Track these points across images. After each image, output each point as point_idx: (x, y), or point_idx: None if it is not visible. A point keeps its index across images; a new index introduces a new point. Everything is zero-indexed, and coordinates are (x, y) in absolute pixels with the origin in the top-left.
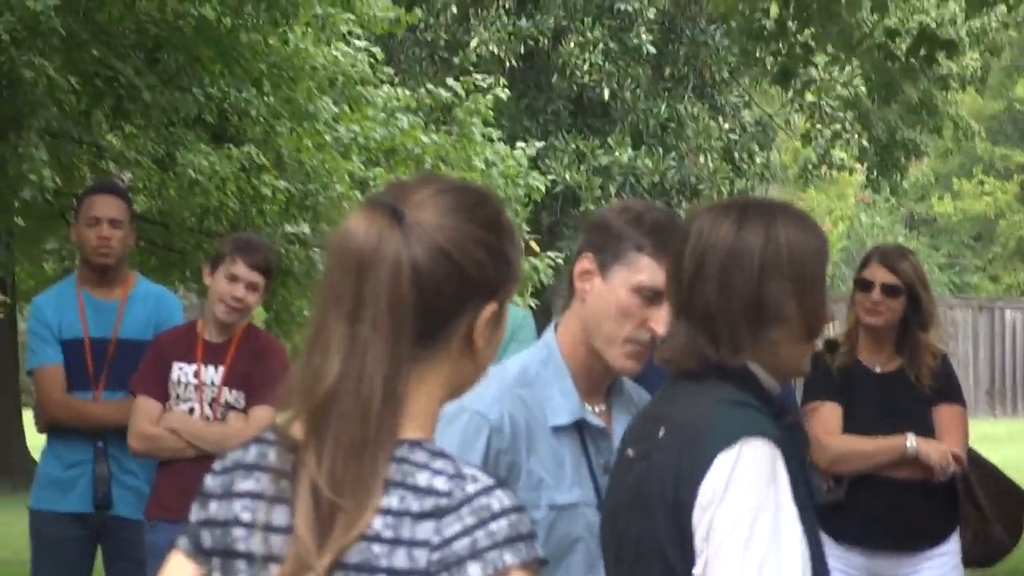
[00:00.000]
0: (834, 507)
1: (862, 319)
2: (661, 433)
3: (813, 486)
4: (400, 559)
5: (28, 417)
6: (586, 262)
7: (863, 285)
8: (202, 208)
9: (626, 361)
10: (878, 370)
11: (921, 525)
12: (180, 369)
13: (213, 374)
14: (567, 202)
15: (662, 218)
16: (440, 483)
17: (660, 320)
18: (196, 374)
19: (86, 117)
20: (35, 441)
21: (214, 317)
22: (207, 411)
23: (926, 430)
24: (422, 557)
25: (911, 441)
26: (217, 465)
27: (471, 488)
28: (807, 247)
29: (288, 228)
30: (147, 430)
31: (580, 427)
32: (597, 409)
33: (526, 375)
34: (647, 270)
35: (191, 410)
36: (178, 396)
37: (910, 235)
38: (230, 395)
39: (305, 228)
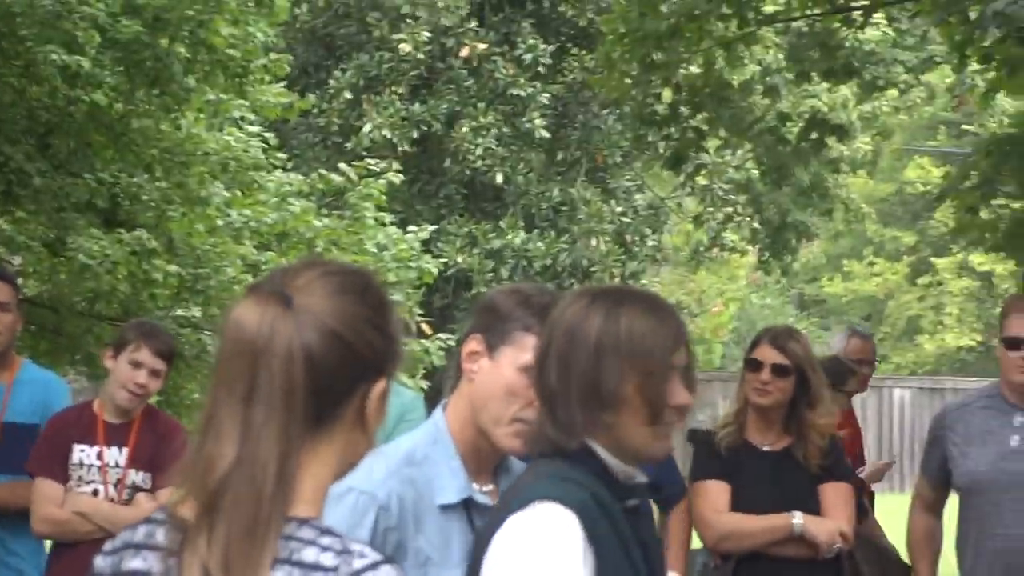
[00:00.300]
0: None
1: (751, 399)
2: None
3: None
4: None
5: None
6: (474, 343)
7: (753, 365)
8: (93, 292)
9: (513, 440)
10: (766, 448)
11: None
12: (81, 451)
13: (117, 455)
14: (459, 285)
15: (550, 300)
16: (327, 559)
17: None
18: (99, 455)
19: None
20: None
21: (114, 401)
22: (111, 493)
23: (814, 508)
24: None
25: (798, 519)
26: (107, 545)
27: (357, 564)
28: (650, 332)
29: (179, 312)
30: (53, 514)
31: (468, 505)
32: (486, 488)
33: (414, 455)
34: (534, 350)
35: (95, 492)
36: (80, 478)
37: (800, 315)
38: (136, 476)
39: (196, 312)
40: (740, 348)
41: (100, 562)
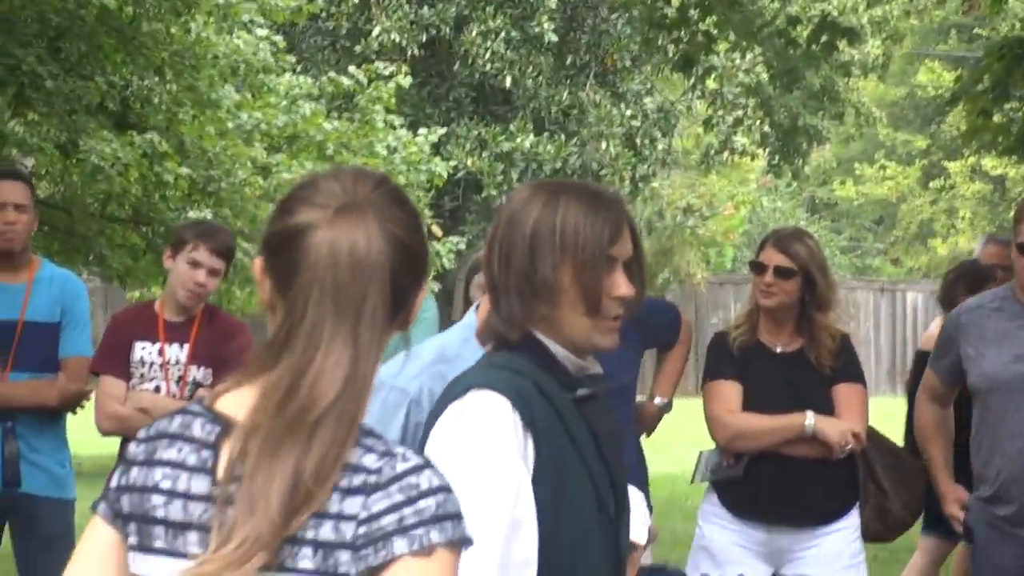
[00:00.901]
0: (734, 483)
1: (757, 300)
2: None
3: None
4: (326, 532)
5: None
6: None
7: (757, 268)
8: (105, 194)
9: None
10: (779, 350)
11: (820, 502)
12: (143, 348)
13: (178, 352)
14: (469, 188)
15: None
16: (370, 460)
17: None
18: (160, 352)
19: None
20: None
21: (175, 300)
22: (174, 389)
23: (826, 409)
24: (348, 530)
25: (810, 419)
26: (142, 433)
27: (401, 467)
28: (586, 222)
29: (191, 213)
30: (117, 411)
31: None
32: None
33: (446, 353)
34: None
35: (157, 389)
36: (142, 375)
37: (812, 219)
38: (197, 372)
39: (208, 213)
40: (751, 251)
41: (134, 448)
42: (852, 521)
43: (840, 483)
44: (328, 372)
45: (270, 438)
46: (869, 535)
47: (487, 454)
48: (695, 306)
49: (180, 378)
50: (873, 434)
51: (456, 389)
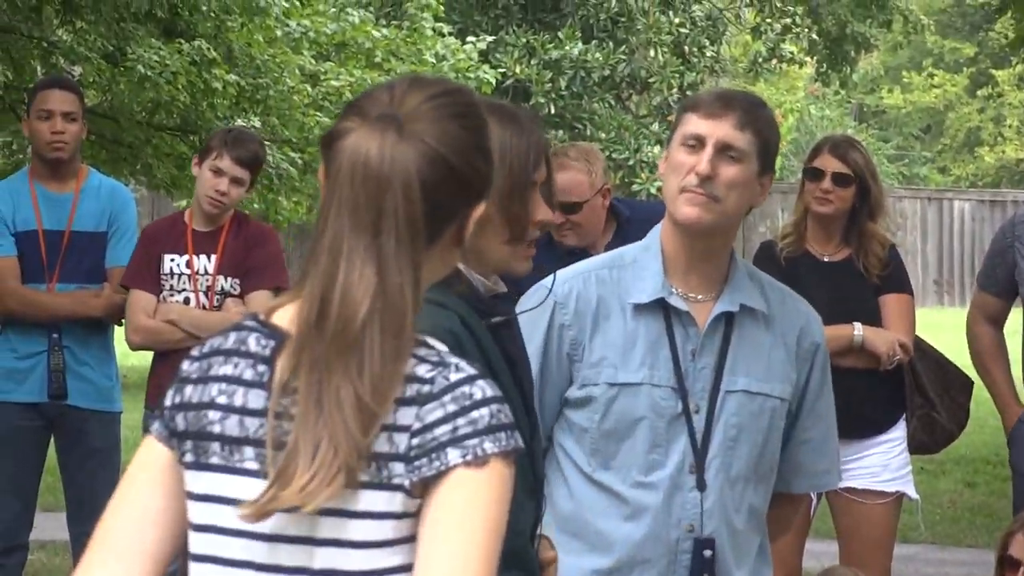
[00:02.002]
0: None
1: (811, 208)
2: None
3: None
4: (380, 443)
5: None
6: (664, 154)
7: (813, 174)
8: (152, 103)
9: (687, 208)
10: (826, 259)
11: (868, 413)
12: (171, 260)
13: (206, 263)
14: (517, 96)
15: (722, 89)
16: (423, 371)
17: (701, 161)
18: (188, 264)
19: (36, 12)
20: None
21: (200, 208)
22: (203, 300)
23: (874, 319)
24: (402, 442)
25: (858, 330)
26: (195, 351)
27: (454, 376)
28: (510, 146)
29: (239, 122)
30: (145, 323)
31: (666, 310)
32: (700, 297)
33: (622, 259)
34: (691, 123)
35: (186, 300)
36: (171, 287)
37: (859, 127)
38: (225, 282)
39: (256, 121)
40: (799, 159)
41: (188, 366)
42: (899, 433)
43: (887, 394)
44: (354, 287)
45: (320, 360)
46: (915, 446)
47: None
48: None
49: (208, 288)
50: (920, 344)
51: None
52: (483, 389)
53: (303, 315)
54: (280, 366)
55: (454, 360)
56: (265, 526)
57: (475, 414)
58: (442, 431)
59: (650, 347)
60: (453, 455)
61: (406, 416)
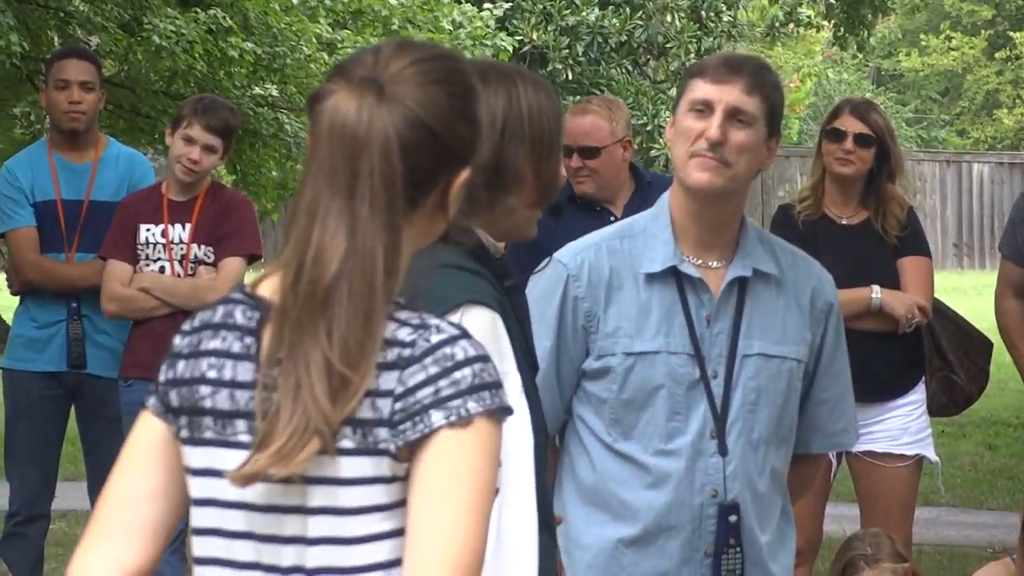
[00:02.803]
0: None
1: (832, 169)
2: None
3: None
4: (364, 410)
5: None
6: (671, 120)
7: (835, 135)
8: (169, 71)
9: (697, 172)
10: (844, 222)
11: (886, 376)
12: (147, 230)
13: (181, 232)
14: (534, 62)
15: (727, 54)
16: (404, 334)
17: (712, 127)
18: (164, 233)
19: None
20: (4, 303)
21: (175, 177)
22: (178, 269)
23: (892, 281)
24: (385, 407)
25: (876, 292)
26: (186, 325)
27: (435, 338)
28: (546, 111)
29: (256, 90)
30: (120, 291)
31: (679, 278)
32: (712, 263)
33: (631, 228)
34: (699, 88)
35: (161, 269)
36: (147, 257)
37: (877, 91)
38: (199, 251)
39: (273, 90)
40: (817, 124)
41: (179, 342)
42: (918, 396)
43: (906, 357)
44: (326, 248)
45: (296, 323)
46: (935, 409)
47: (511, 377)
48: (761, 179)
49: (183, 257)
50: (939, 306)
51: (439, 301)
52: (465, 349)
53: (283, 278)
54: (266, 337)
55: (435, 322)
56: (260, 497)
57: (457, 375)
58: (424, 394)
59: (665, 315)
60: (436, 417)
61: (388, 380)
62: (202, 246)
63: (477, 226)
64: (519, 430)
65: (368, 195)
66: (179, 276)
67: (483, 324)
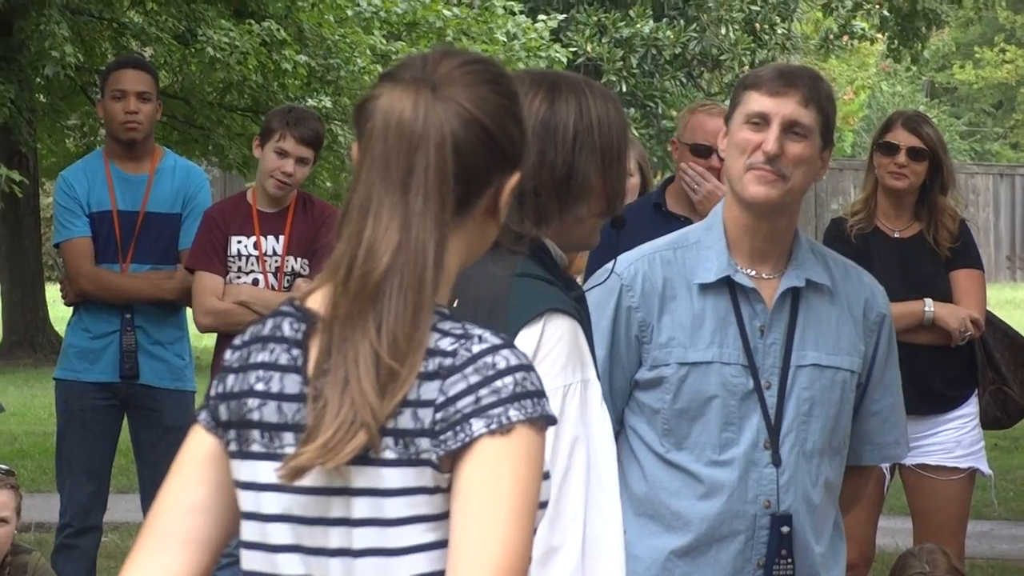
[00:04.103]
0: None
1: (885, 182)
2: (454, 305)
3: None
4: (405, 420)
5: (51, 292)
6: (723, 131)
7: (887, 149)
8: (223, 83)
9: (754, 186)
10: (897, 235)
11: (940, 389)
12: (239, 242)
13: (274, 244)
14: (589, 74)
15: (781, 66)
16: (446, 344)
17: (769, 140)
18: (256, 245)
19: None
20: (57, 314)
21: (264, 190)
22: (272, 281)
23: (944, 295)
24: (427, 417)
25: (929, 306)
26: (237, 339)
27: (476, 348)
28: (614, 121)
29: (310, 102)
30: (215, 305)
31: (732, 288)
32: (765, 274)
33: (686, 239)
34: (754, 101)
35: (255, 281)
36: (239, 269)
37: (931, 103)
38: (295, 263)
39: (327, 102)
40: (870, 136)
41: (229, 356)
42: (971, 409)
43: (959, 370)
44: (379, 242)
45: (346, 317)
46: (988, 422)
47: (593, 385)
48: (814, 192)
49: (278, 269)
50: (991, 319)
51: (519, 310)
52: (507, 358)
53: (334, 276)
54: (313, 348)
55: (478, 332)
56: (304, 509)
57: (498, 383)
58: (465, 403)
59: (718, 325)
60: (477, 425)
61: (430, 391)
62: (297, 258)
63: (547, 236)
64: (603, 438)
65: (422, 190)
66: (274, 288)
67: (566, 332)
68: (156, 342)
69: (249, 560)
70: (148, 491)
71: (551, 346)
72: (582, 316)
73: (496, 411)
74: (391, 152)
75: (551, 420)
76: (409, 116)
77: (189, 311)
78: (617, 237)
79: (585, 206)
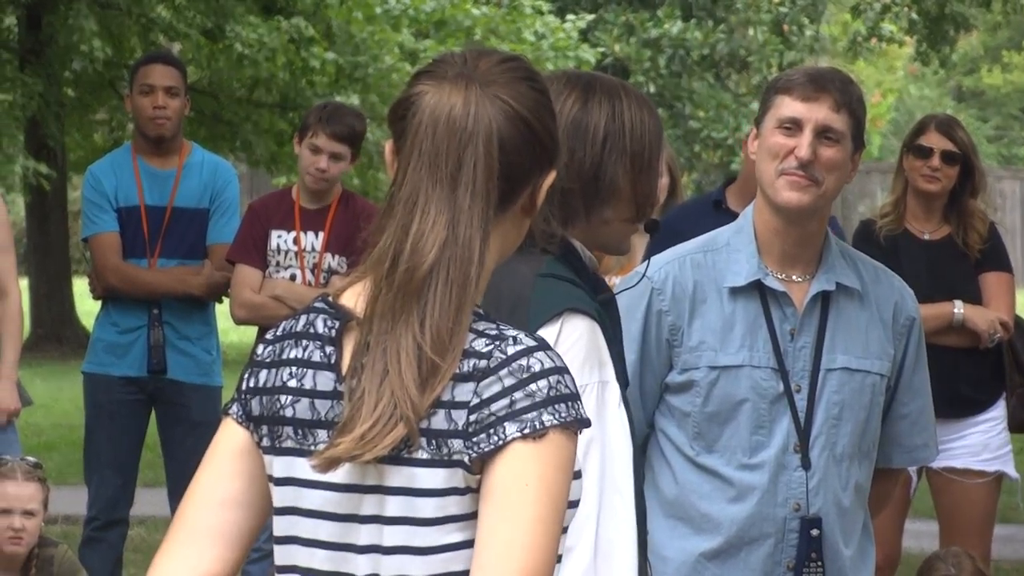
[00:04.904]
0: None
1: (917, 185)
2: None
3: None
4: (439, 421)
5: (78, 285)
6: (752, 133)
7: (920, 152)
8: (251, 79)
9: (786, 192)
10: (926, 237)
11: (968, 392)
12: (279, 237)
13: (313, 240)
14: (617, 74)
15: (811, 69)
16: (481, 345)
17: (802, 146)
18: (296, 241)
19: None
20: (85, 308)
21: (305, 186)
22: (309, 277)
23: (974, 297)
24: (460, 418)
25: (959, 308)
26: (269, 335)
27: (511, 350)
28: (647, 127)
29: (338, 99)
30: (251, 298)
31: (762, 292)
32: (795, 278)
33: (715, 242)
34: (787, 106)
35: (292, 277)
36: (278, 264)
37: (959, 107)
38: (333, 260)
39: (355, 99)
40: (898, 139)
41: (261, 351)
42: (999, 412)
43: (987, 373)
44: (427, 235)
45: (388, 311)
46: (1015, 425)
47: (611, 386)
48: (842, 195)
49: (315, 266)
50: (1020, 322)
51: (539, 309)
52: (542, 361)
53: (376, 270)
54: (349, 346)
55: (513, 333)
56: (337, 506)
57: (533, 387)
58: (499, 406)
59: (748, 329)
60: (510, 429)
61: (464, 392)
62: (336, 256)
63: (573, 236)
64: (619, 440)
65: (471, 186)
66: (310, 285)
67: (584, 332)
68: (184, 337)
69: (282, 555)
70: (175, 485)
71: (568, 346)
72: (605, 318)
73: (530, 415)
74: (440, 147)
75: (585, 423)
76: (460, 112)
77: (217, 307)
78: (651, 241)
79: (611, 209)
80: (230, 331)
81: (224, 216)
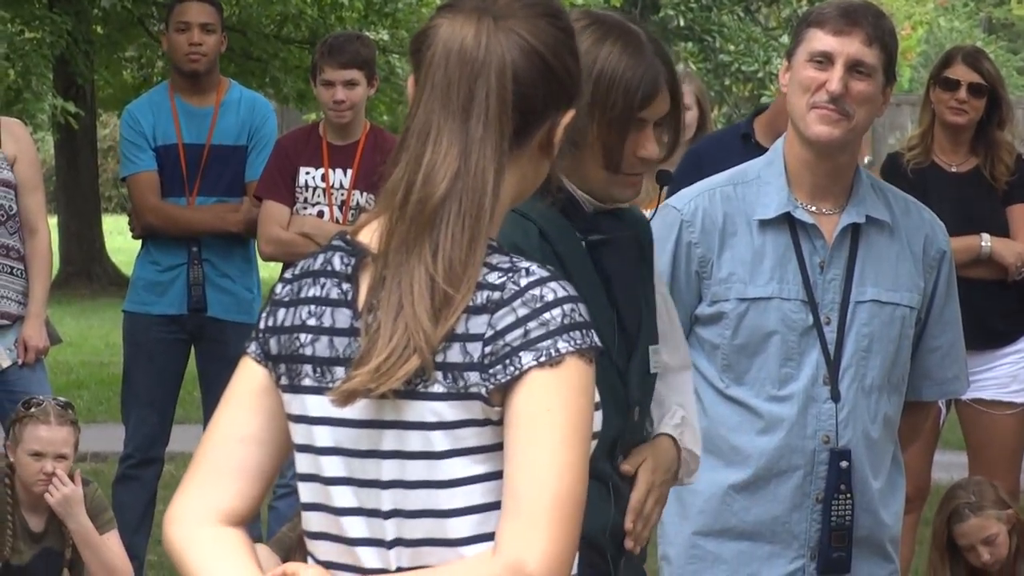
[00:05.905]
0: None
1: (944, 118)
2: None
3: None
4: (454, 354)
5: (107, 223)
6: (784, 66)
7: (947, 84)
8: (280, 15)
9: (817, 125)
10: (954, 169)
11: (996, 324)
12: (307, 173)
13: (341, 177)
14: (646, 8)
15: (844, 3)
16: (494, 277)
17: (833, 80)
18: (324, 177)
19: None
20: (114, 245)
21: (331, 122)
22: (337, 214)
23: (1001, 230)
24: (476, 351)
25: (986, 240)
26: (288, 273)
27: (524, 281)
28: (622, 80)
29: (367, 34)
30: (279, 234)
31: (792, 224)
32: (825, 210)
33: (745, 174)
34: (818, 40)
35: (320, 214)
36: (306, 200)
37: (988, 39)
38: (361, 197)
39: (384, 35)
40: (928, 71)
41: (280, 289)
42: None
43: (1015, 305)
44: (437, 166)
45: (402, 242)
46: None
47: None
48: (872, 127)
49: (343, 203)
50: None
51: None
52: (554, 290)
53: (389, 201)
54: (365, 282)
55: (525, 264)
56: (356, 442)
57: (547, 315)
58: (514, 336)
59: (778, 261)
60: (527, 358)
61: (478, 324)
62: (364, 192)
63: (565, 175)
64: None
65: (483, 116)
66: (338, 222)
67: None
68: (223, 275)
69: (305, 492)
70: None
71: None
72: (537, 254)
73: (545, 343)
74: (452, 79)
75: (600, 350)
76: (471, 43)
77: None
78: (660, 193)
79: (579, 155)
80: (273, 268)
81: (262, 153)
